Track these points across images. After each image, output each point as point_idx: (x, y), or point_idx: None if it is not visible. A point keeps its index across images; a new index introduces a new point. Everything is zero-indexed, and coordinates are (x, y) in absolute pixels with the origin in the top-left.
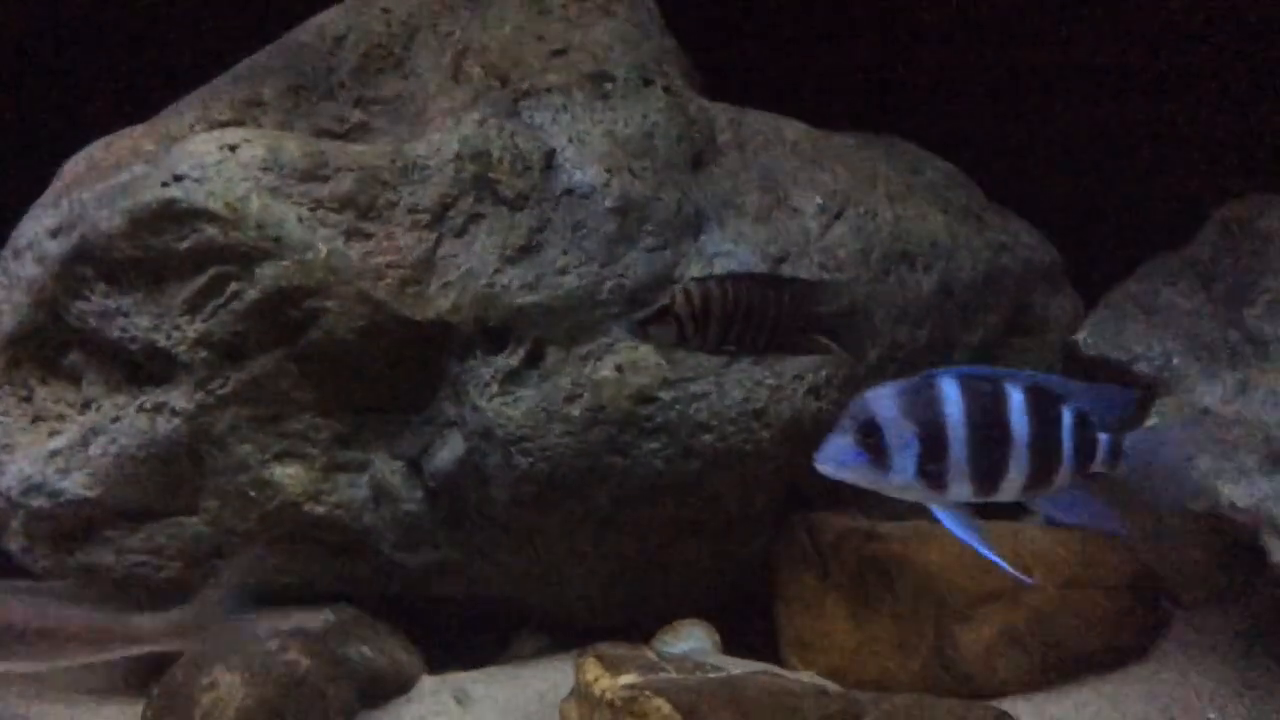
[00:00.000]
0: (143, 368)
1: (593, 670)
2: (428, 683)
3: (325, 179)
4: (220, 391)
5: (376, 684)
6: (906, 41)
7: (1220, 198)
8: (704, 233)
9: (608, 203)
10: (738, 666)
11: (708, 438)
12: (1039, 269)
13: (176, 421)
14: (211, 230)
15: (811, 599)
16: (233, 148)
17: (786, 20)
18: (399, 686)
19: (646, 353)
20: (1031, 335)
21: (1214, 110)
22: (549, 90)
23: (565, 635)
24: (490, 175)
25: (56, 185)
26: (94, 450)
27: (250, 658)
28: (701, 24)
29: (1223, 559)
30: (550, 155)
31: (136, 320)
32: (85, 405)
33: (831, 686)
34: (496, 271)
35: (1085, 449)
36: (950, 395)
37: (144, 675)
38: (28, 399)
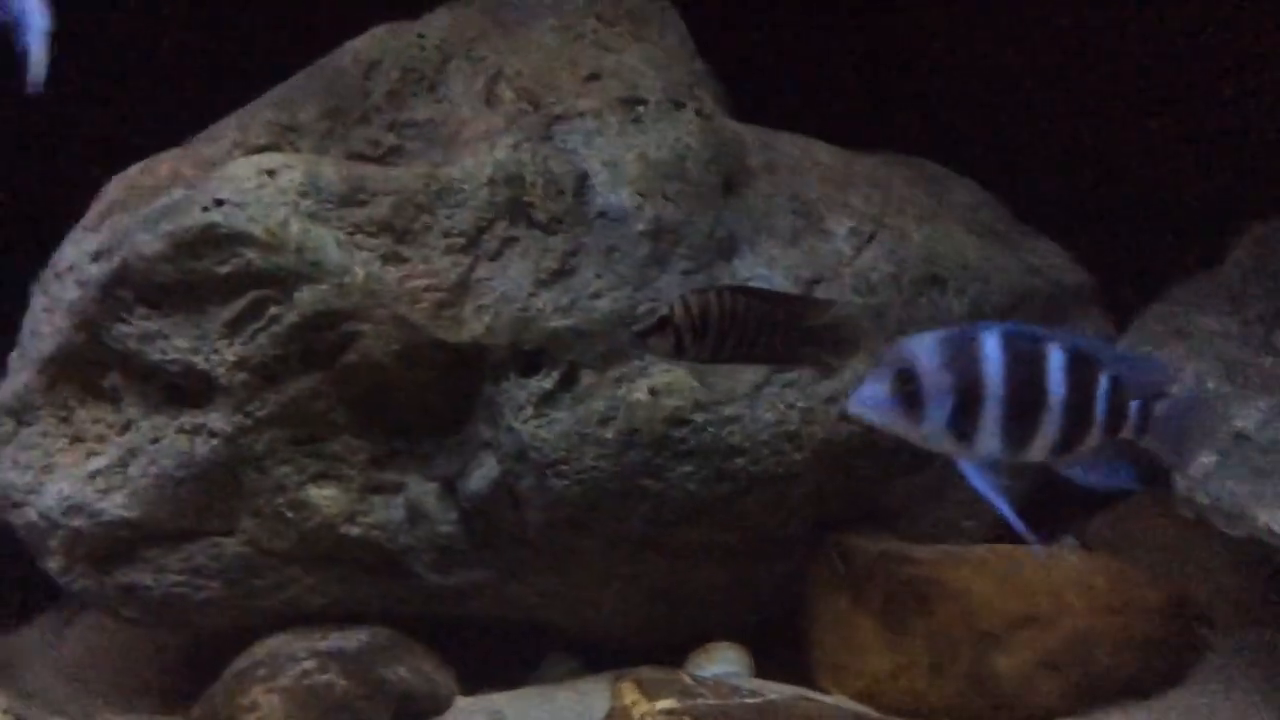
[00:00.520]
0: (182, 390)
1: (630, 695)
2: (462, 703)
3: (362, 203)
4: (258, 413)
5: (412, 705)
6: (930, 60)
7: (1252, 217)
8: (736, 256)
9: (641, 226)
10: (772, 690)
11: (740, 460)
12: (1069, 291)
13: (215, 443)
14: (251, 254)
15: (844, 622)
16: (272, 173)
17: (812, 41)
18: (434, 707)
19: (680, 376)
20: None
21: (1245, 128)
22: (581, 114)
23: (596, 657)
24: (524, 199)
25: (97, 208)
26: (133, 471)
27: (290, 678)
28: (730, 46)
29: (1259, 584)
30: (583, 179)
31: (176, 343)
32: (125, 426)
33: (870, 713)
34: (531, 295)
35: (1117, 415)
36: (990, 350)
37: (182, 695)
38: (67, 420)
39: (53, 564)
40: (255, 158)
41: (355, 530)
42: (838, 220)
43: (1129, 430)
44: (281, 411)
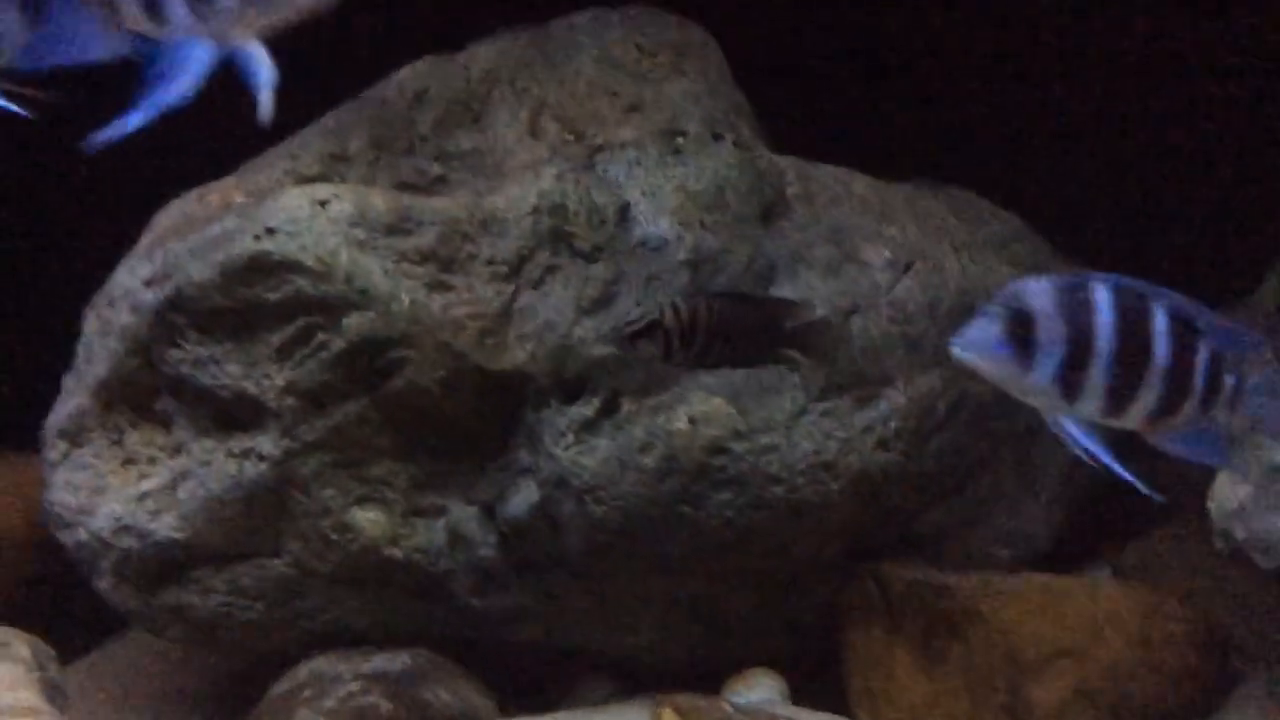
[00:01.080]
0: (232, 414)
1: None
2: None
3: (409, 232)
4: (306, 438)
5: None
6: (965, 89)
7: None
8: (775, 285)
9: (681, 255)
10: (808, 718)
11: (778, 489)
12: None
13: (263, 466)
14: (302, 282)
15: (879, 650)
16: (323, 203)
17: (846, 71)
18: None
19: (719, 404)
20: None
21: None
22: (623, 145)
23: (631, 681)
24: (566, 228)
25: (149, 236)
26: (183, 493)
27: (335, 700)
28: (766, 78)
29: None
30: (625, 209)
31: (227, 368)
32: (176, 449)
33: None
34: (573, 323)
35: (1212, 389)
36: (1103, 303)
37: (225, 716)
38: (119, 442)
39: (104, 583)
40: (307, 188)
41: (398, 553)
42: (875, 250)
43: (1221, 407)
44: (328, 435)
